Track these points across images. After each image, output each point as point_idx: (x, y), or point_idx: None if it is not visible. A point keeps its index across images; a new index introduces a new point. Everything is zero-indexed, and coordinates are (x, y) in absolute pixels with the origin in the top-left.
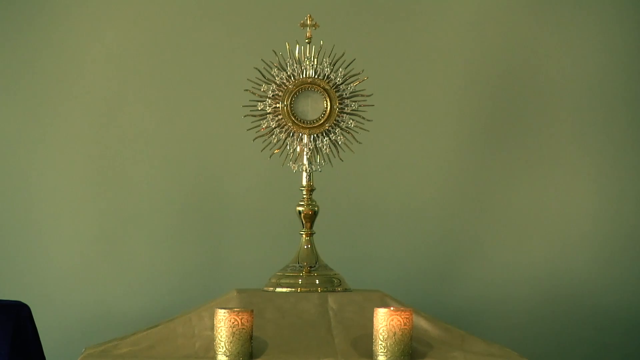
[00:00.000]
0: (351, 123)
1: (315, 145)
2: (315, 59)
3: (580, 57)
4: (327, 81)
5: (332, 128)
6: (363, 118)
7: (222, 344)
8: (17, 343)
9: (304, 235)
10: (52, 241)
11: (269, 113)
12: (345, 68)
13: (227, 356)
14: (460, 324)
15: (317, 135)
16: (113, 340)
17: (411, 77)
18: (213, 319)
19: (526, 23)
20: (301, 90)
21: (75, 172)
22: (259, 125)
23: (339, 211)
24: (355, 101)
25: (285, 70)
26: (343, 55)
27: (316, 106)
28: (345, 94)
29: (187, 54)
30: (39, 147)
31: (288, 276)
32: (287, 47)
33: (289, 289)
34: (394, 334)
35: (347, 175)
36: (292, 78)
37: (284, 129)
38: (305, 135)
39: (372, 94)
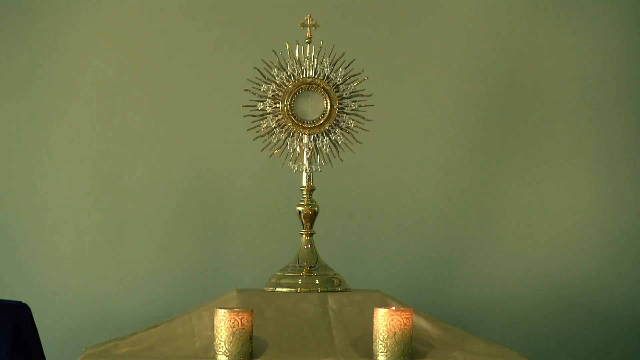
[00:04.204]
0: (351, 123)
1: (315, 145)
2: (315, 59)
3: (579, 57)
4: (327, 81)
5: (332, 128)
6: (363, 118)
7: (222, 344)
8: (17, 343)
9: (304, 235)
10: (53, 241)
11: (269, 113)
12: (345, 68)
13: (227, 356)
14: (460, 324)
15: (317, 135)
16: (113, 340)
17: (411, 77)
18: (213, 319)
19: (526, 23)
20: (301, 90)
21: (76, 172)
22: (259, 125)
23: (339, 211)
24: (355, 101)
25: (285, 70)
26: (343, 55)
27: (316, 106)
28: (345, 94)
29: (187, 54)
30: (39, 148)
31: (288, 276)
32: (287, 47)
33: (289, 289)
34: (394, 334)
35: (347, 175)
36: (292, 78)
37: (284, 129)
38: (305, 135)
39: (372, 94)
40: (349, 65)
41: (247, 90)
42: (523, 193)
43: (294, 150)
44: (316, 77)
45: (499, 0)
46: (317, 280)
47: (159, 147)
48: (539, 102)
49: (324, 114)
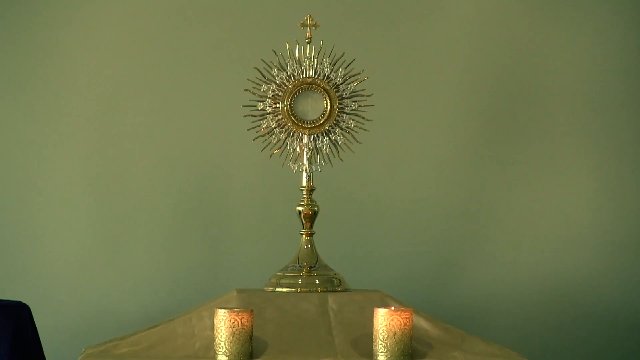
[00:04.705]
0: (351, 123)
1: (315, 145)
2: (315, 59)
3: (579, 56)
4: (327, 81)
5: (332, 128)
6: (363, 118)
7: (222, 344)
8: (17, 343)
9: (304, 235)
10: (52, 241)
11: (269, 113)
12: (345, 68)
13: (227, 356)
14: (460, 324)
15: (317, 135)
16: (113, 340)
17: (411, 77)
18: (213, 319)
19: (525, 23)
20: (301, 90)
21: (75, 172)
22: (259, 125)
23: (339, 211)
24: (355, 101)
25: (285, 70)
26: (343, 55)
27: (316, 106)
28: (345, 94)
29: (187, 54)
30: (38, 148)
31: (288, 276)
32: (287, 47)
33: (289, 289)
34: (394, 334)
35: (347, 175)
36: (292, 78)
37: (284, 129)
38: (305, 135)
39: (372, 94)
40: (349, 65)
41: (247, 90)
42: (523, 193)
43: (294, 150)
44: (316, 77)
45: (499, 1)
46: (317, 280)
47: (159, 147)
48: (539, 102)
49: (324, 114)
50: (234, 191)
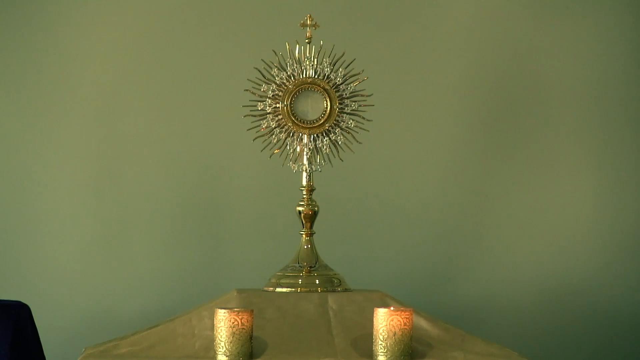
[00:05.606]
0: (351, 123)
1: (315, 145)
2: (315, 59)
3: (579, 56)
4: (327, 81)
5: (332, 128)
6: (363, 118)
7: (222, 344)
8: (17, 343)
9: (304, 235)
10: (53, 241)
11: (269, 113)
12: (345, 68)
13: (227, 356)
14: (460, 324)
15: (317, 135)
16: (113, 340)
17: (411, 77)
18: (213, 319)
19: (526, 23)
20: (301, 90)
21: (75, 172)
22: (259, 125)
23: (339, 211)
24: (355, 101)
25: (285, 70)
26: (343, 55)
27: (316, 106)
28: (345, 94)
29: (187, 54)
30: (39, 148)
31: (288, 276)
32: (287, 47)
33: (289, 289)
34: (394, 334)
35: (347, 175)
36: (292, 78)
37: (284, 129)
38: (305, 135)
39: (372, 94)
40: (349, 65)
41: (247, 90)
42: (523, 193)
43: (294, 150)
44: (316, 77)
45: (499, 0)
46: (317, 280)
47: (159, 147)
48: (539, 102)
49: (324, 114)
50: (234, 191)
